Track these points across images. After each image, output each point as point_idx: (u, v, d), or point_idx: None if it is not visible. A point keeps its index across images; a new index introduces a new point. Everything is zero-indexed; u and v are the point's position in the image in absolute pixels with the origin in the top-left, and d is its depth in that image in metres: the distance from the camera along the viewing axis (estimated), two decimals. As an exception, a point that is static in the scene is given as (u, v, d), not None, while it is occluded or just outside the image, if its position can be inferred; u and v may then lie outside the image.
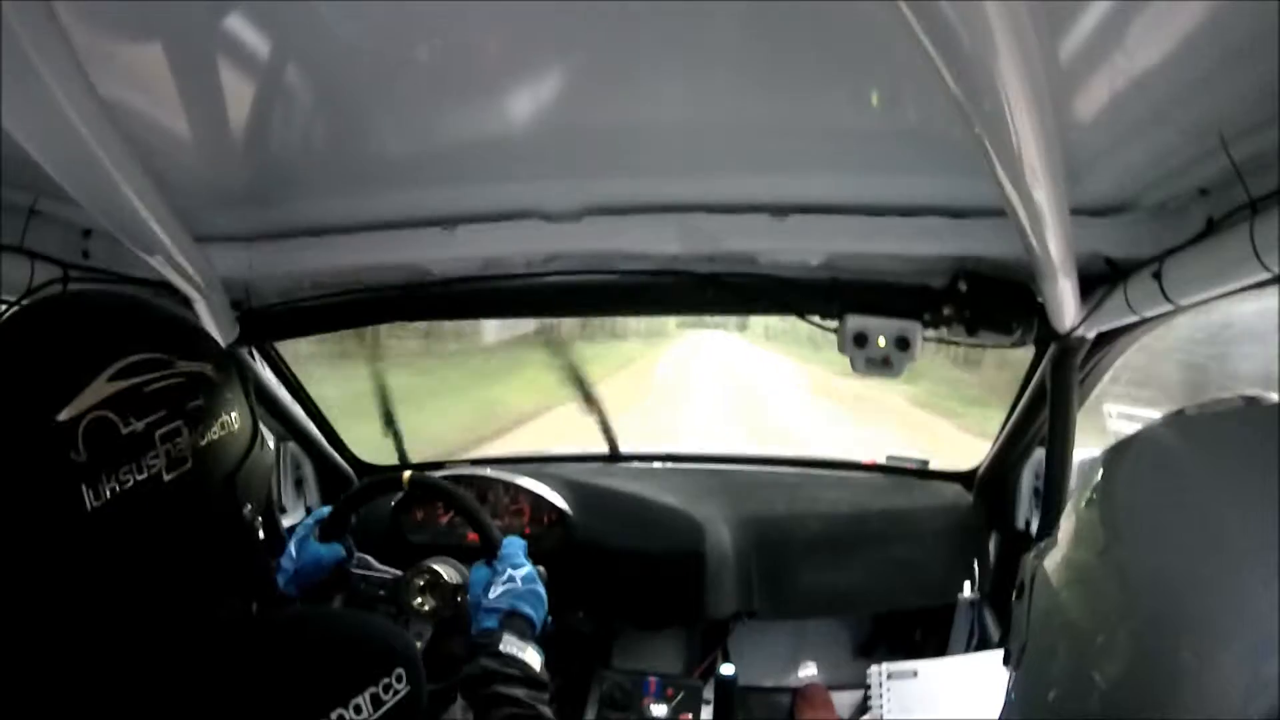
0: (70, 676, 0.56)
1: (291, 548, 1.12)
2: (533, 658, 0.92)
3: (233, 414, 0.63)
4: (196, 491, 0.59)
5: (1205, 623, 0.37)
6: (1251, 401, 0.43)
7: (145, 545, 0.57)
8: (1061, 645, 0.45)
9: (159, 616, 0.58)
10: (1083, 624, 0.43)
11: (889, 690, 1.28)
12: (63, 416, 0.53)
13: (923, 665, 1.29)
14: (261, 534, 0.69)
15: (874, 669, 1.29)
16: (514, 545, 1.07)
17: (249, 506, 0.64)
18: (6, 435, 0.53)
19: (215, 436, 0.60)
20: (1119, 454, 0.47)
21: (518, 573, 1.02)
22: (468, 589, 1.19)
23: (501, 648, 0.91)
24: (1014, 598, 0.54)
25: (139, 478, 0.55)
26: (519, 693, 0.85)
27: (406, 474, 1.18)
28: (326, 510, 1.19)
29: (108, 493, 0.54)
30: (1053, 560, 0.48)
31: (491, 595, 0.99)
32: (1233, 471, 0.40)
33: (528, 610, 0.98)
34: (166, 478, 0.56)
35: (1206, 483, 0.41)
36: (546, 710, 0.85)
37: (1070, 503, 0.49)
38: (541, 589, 1.02)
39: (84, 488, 0.53)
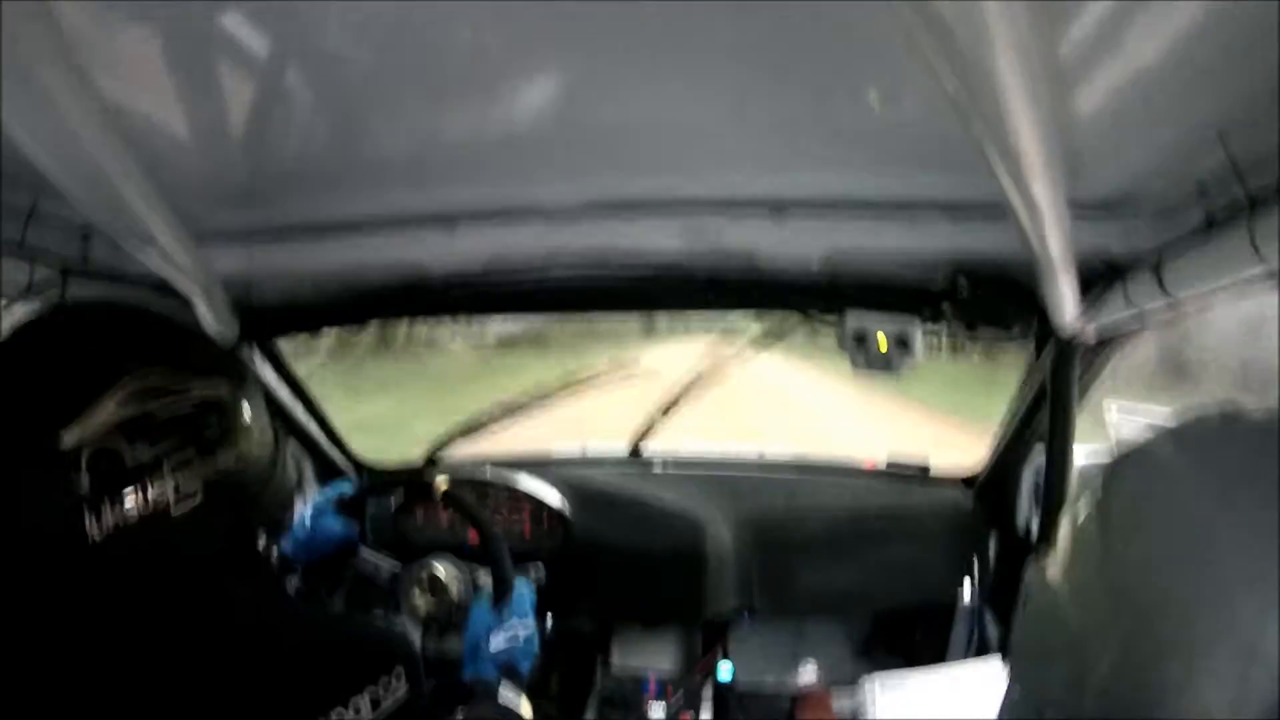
0: (70, 681, 0.56)
1: (306, 515, 1.12)
2: (526, 709, 0.95)
3: (251, 437, 0.59)
4: (205, 525, 0.56)
5: (1191, 632, 0.37)
6: (1248, 410, 0.44)
7: (149, 578, 0.55)
8: (1056, 652, 0.45)
9: (161, 631, 0.58)
10: (1076, 631, 0.43)
11: (883, 701, 1.28)
12: (67, 441, 0.50)
13: (916, 676, 1.29)
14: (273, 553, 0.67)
15: (867, 681, 1.29)
16: (524, 595, 1.07)
17: (264, 535, 0.62)
18: (8, 461, 0.51)
19: (230, 463, 0.57)
20: (1119, 461, 0.47)
21: (523, 629, 1.03)
22: (465, 593, 1.20)
23: (500, 698, 0.94)
24: (1019, 606, 0.54)
25: (145, 510, 0.52)
26: None
27: (442, 481, 1.17)
28: (348, 484, 1.19)
29: (111, 523, 0.51)
30: (1051, 566, 0.49)
31: (494, 644, 1.00)
32: (1220, 479, 0.40)
33: (524, 665, 1.02)
34: (175, 510, 0.54)
35: (1194, 490, 0.41)
36: None
37: (1069, 508, 0.49)
38: (537, 644, 1.04)
39: (87, 518, 0.51)
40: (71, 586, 0.53)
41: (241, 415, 0.59)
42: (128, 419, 0.52)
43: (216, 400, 0.57)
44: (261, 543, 0.62)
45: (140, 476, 0.52)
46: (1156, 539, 0.41)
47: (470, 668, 1.00)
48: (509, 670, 0.99)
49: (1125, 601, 0.40)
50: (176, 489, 0.54)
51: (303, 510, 1.12)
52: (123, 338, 0.57)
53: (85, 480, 0.50)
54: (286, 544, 1.10)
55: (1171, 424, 0.46)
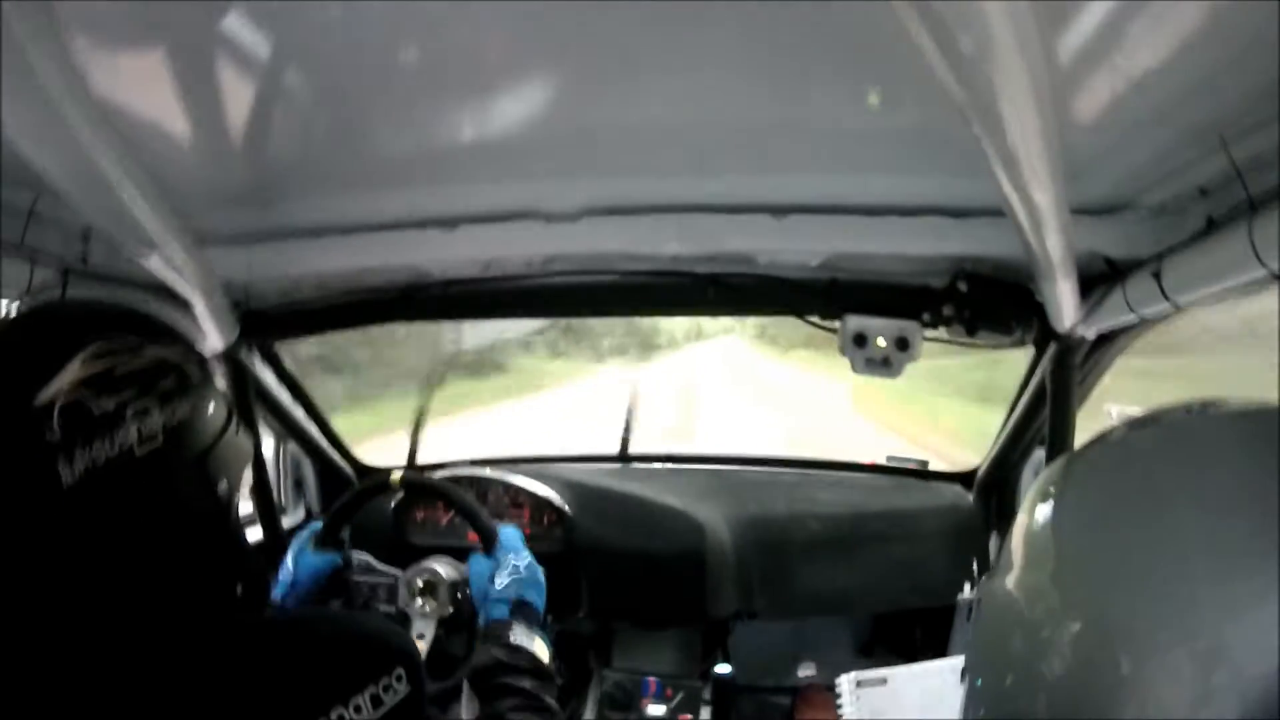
0: (60, 669, 0.56)
1: (289, 560, 1.12)
2: (541, 648, 0.92)
3: (204, 397, 0.64)
4: (169, 466, 0.60)
5: (1145, 628, 0.36)
6: (1205, 407, 0.43)
7: (121, 518, 0.58)
8: (1012, 649, 0.45)
9: (140, 593, 0.59)
10: (1031, 627, 0.43)
11: (858, 699, 1.27)
12: (39, 398, 0.55)
13: (892, 672, 1.29)
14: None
15: (843, 678, 1.28)
16: (512, 534, 1.07)
17: (224, 485, 0.66)
18: None
19: (186, 416, 0.62)
20: (1071, 459, 0.47)
21: (521, 561, 1.02)
22: (467, 584, 1.19)
23: (512, 638, 0.91)
24: (974, 605, 0.53)
25: (111, 453, 0.57)
26: (526, 684, 0.85)
27: (396, 474, 1.17)
28: (318, 523, 1.18)
29: (82, 468, 0.56)
30: (1005, 567, 0.48)
31: (498, 584, 0.98)
32: (1181, 476, 0.40)
33: (534, 598, 0.99)
34: (139, 452, 0.58)
35: (1155, 487, 0.41)
36: (552, 701, 0.85)
37: (1023, 507, 0.48)
38: (542, 577, 1.02)
39: (59, 464, 0.55)
40: (48, 530, 0.57)
41: (193, 375, 0.65)
42: (92, 375, 0.57)
43: (171, 360, 0.63)
44: (222, 491, 0.66)
45: (106, 423, 0.57)
46: (1114, 532, 0.40)
47: (482, 614, 0.98)
48: (520, 606, 0.97)
49: (1078, 598, 0.40)
50: (139, 433, 0.59)
51: (285, 559, 1.12)
52: (85, 313, 0.64)
53: (57, 430, 0.55)
54: (277, 591, 1.10)
55: (1132, 419, 0.45)
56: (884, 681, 1.27)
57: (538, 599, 0.99)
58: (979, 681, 0.51)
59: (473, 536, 1.37)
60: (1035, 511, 0.46)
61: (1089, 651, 0.38)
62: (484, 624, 0.96)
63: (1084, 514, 0.43)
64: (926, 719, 1.21)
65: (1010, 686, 0.45)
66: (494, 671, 0.87)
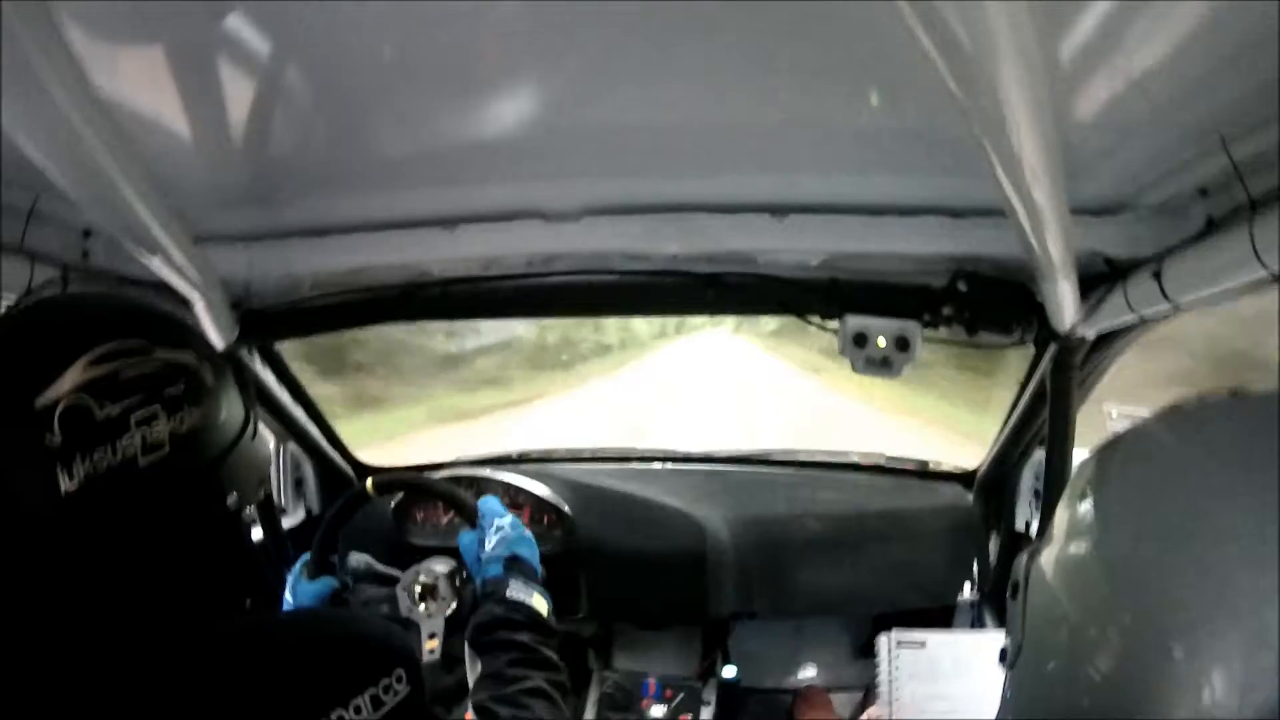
0: (57, 672, 0.56)
1: (288, 593, 1.12)
2: (539, 602, 0.92)
3: (216, 404, 0.62)
4: (174, 476, 0.58)
5: (1194, 617, 0.37)
6: (1240, 394, 0.44)
7: (121, 529, 0.57)
8: (1056, 642, 0.45)
9: (143, 606, 0.58)
10: (1076, 620, 0.43)
11: (898, 657, 1.29)
12: (39, 402, 0.53)
13: (931, 636, 1.31)
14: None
15: (883, 637, 1.30)
16: (491, 502, 1.07)
17: (234, 496, 0.63)
18: None
19: (196, 424, 0.60)
20: (1111, 449, 0.47)
21: (504, 522, 1.02)
22: (463, 570, 1.20)
23: (509, 594, 0.91)
24: (1009, 596, 0.54)
25: (113, 461, 0.55)
26: (524, 638, 0.86)
27: (369, 481, 1.17)
28: (305, 555, 1.19)
29: (82, 476, 0.54)
30: (1047, 556, 0.49)
31: (488, 547, 0.99)
32: (1219, 462, 0.40)
33: (526, 554, 0.99)
34: (142, 461, 0.56)
35: (1193, 475, 0.41)
36: (551, 654, 0.86)
37: (1064, 498, 0.49)
38: (529, 533, 1.03)
39: (59, 471, 0.53)
40: (44, 538, 0.55)
41: (205, 380, 0.62)
42: (96, 379, 0.55)
43: (181, 364, 0.60)
44: (232, 502, 0.63)
45: (108, 430, 0.55)
46: (1157, 523, 0.40)
47: (479, 578, 0.98)
48: (514, 561, 0.97)
49: (1124, 587, 0.40)
50: (144, 442, 0.56)
51: (285, 592, 1.13)
52: (91, 312, 0.60)
53: (57, 436, 0.53)
54: None
55: (1169, 407, 0.45)
56: (923, 644, 1.29)
57: (530, 554, 1.00)
58: (1022, 671, 0.51)
59: None
60: (1078, 501, 0.47)
61: (1137, 641, 0.39)
62: (481, 584, 0.96)
63: (1130, 501, 0.44)
64: (962, 683, 1.24)
65: (1055, 677, 0.45)
66: (492, 627, 0.87)
